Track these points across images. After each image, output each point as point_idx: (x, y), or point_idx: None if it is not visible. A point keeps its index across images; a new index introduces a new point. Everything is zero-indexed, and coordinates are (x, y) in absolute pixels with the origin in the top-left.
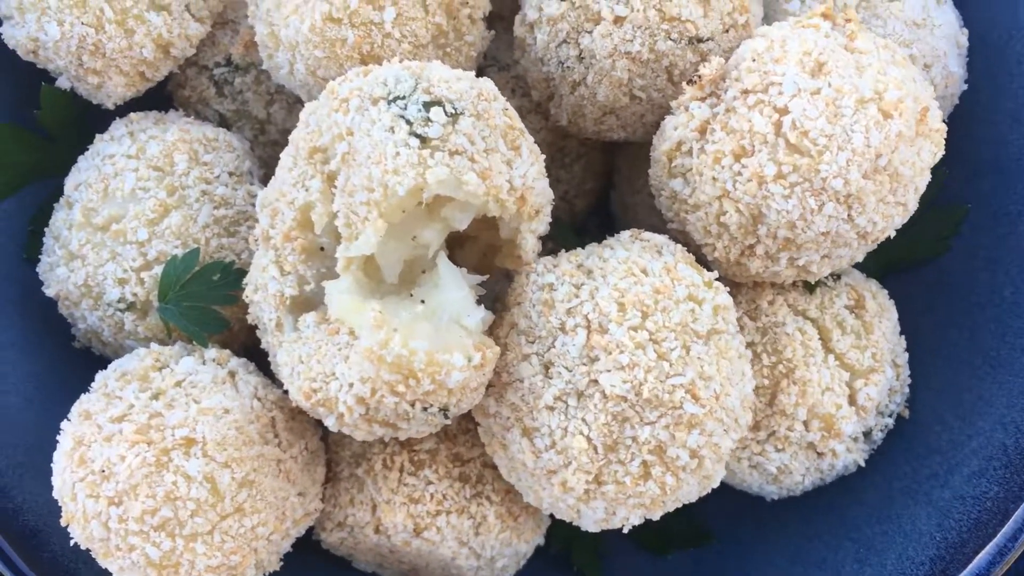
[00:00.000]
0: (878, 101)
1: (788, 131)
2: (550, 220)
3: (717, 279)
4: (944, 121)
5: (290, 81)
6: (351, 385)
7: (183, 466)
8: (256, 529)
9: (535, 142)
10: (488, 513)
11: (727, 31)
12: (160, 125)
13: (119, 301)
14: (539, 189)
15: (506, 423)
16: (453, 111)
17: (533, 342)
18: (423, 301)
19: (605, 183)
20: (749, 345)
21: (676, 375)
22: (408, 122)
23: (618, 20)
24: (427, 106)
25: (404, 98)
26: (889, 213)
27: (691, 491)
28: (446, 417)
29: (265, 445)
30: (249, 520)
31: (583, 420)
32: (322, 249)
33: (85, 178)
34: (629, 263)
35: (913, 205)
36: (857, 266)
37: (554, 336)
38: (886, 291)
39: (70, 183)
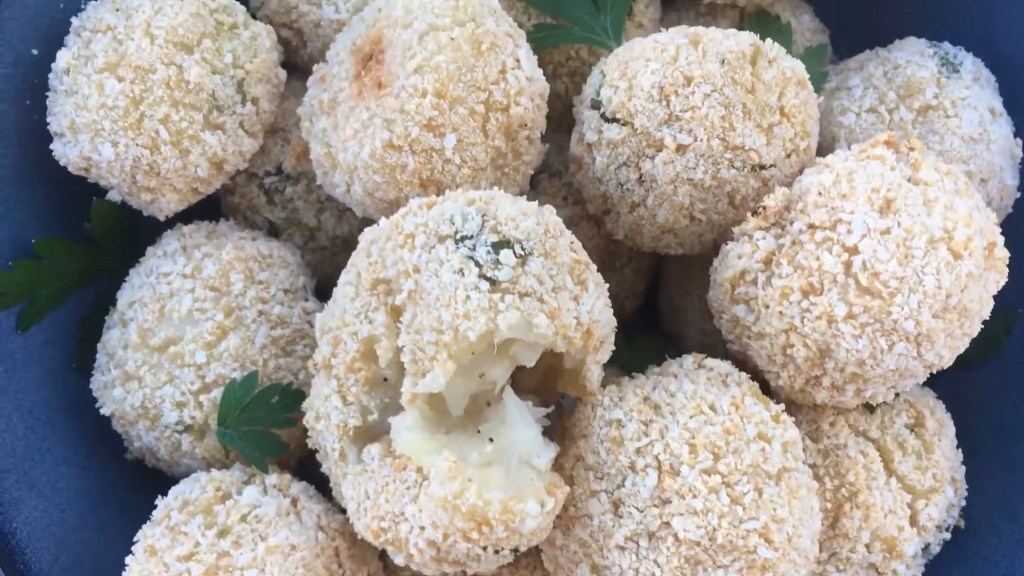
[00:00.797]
0: (948, 241)
1: (859, 272)
2: (613, 347)
3: (783, 409)
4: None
5: (346, 199)
6: (423, 528)
7: None
8: None
9: (588, 249)
10: None
11: (789, 156)
12: (213, 240)
13: (177, 423)
14: (604, 321)
15: (574, 557)
16: (522, 252)
17: (601, 478)
18: (491, 439)
19: (653, 281)
20: (811, 467)
21: (750, 519)
22: (478, 264)
23: (680, 148)
24: (496, 247)
25: (472, 237)
26: (956, 345)
27: None
28: (516, 557)
29: None
30: None
31: (655, 562)
32: (385, 380)
33: (139, 296)
34: (697, 399)
35: (976, 331)
36: None
37: (623, 475)
38: (942, 403)
39: (123, 300)
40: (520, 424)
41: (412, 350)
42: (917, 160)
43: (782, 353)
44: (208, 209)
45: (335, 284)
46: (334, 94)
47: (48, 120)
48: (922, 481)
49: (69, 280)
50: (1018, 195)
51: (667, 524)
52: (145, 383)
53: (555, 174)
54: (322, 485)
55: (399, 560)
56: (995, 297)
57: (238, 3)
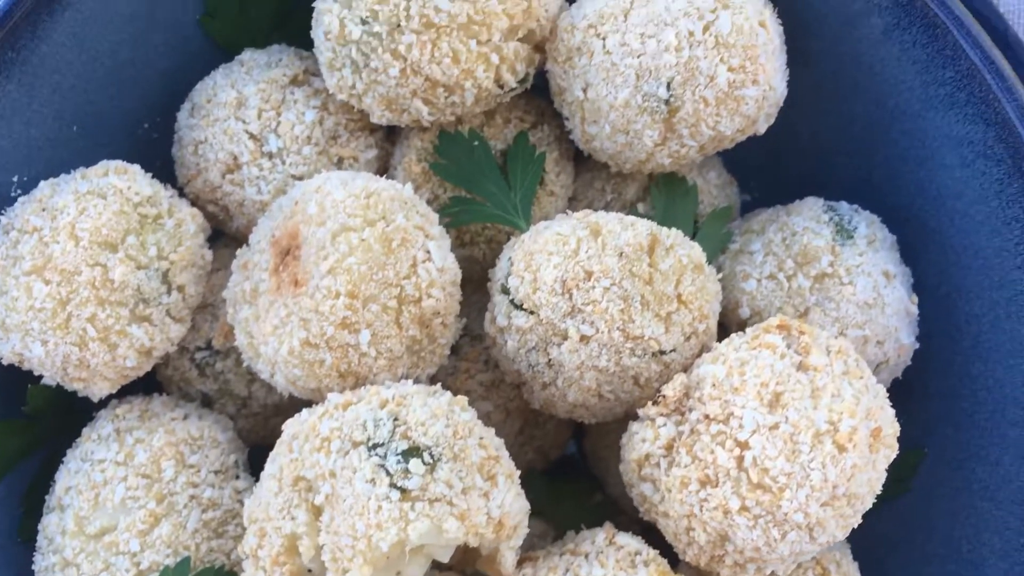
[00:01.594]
0: (833, 434)
1: (750, 467)
2: (528, 528)
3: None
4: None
5: (271, 383)
6: None
7: None
8: None
9: (510, 412)
10: None
11: (688, 339)
12: (146, 423)
13: None
14: (516, 510)
15: None
16: (431, 459)
17: None
18: None
19: (576, 428)
20: None
21: None
22: (389, 473)
23: (584, 339)
24: (406, 455)
25: (383, 445)
26: (848, 524)
27: None
28: None
29: None
30: None
31: None
32: (310, 571)
33: (75, 483)
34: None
35: (870, 505)
36: None
37: None
38: (848, 552)
39: (60, 484)
40: None
41: (332, 550)
42: (807, 344)
43: (686, 534)
44: (144, 379)
45: (270, 449)
46: (255, 284)
47: None
48: None
49: (9, 457)
50: (917, 346)
51: None
52: (83, 571)
53: (476, 338)
54: None
55: None
56: (901, 437)
57: (163, 191)
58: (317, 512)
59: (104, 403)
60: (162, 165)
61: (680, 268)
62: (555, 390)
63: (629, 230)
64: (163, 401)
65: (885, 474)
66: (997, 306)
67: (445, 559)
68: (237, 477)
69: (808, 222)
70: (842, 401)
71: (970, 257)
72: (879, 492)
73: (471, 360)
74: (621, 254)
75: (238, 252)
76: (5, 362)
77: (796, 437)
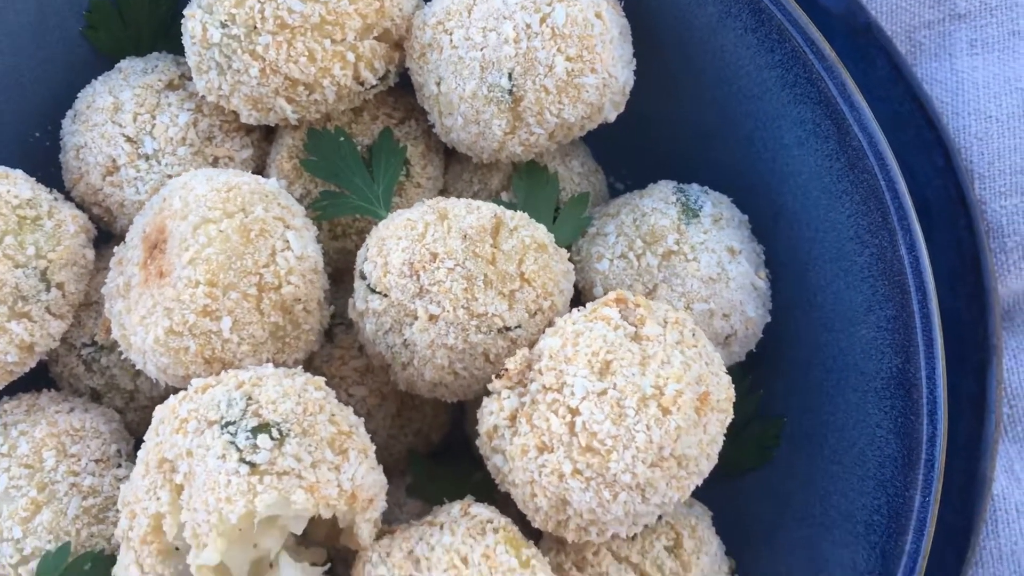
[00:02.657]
0: (658, 398)
1: (580, 432)
2: (386, 503)
3: (535, 554)
4: (747, 357)
5: (144, 372)
6: None
7: None
8: None
9: (386, 396)
10: None
11: (533, 316)
12: (31, 415)
13: None
14: (369, 483)
15: None
16: (279, 434)
17: None
18: None
19: (458, 413)
20: None
21: None
22: (238, 449)
23: (432, 318)
24: (255, 431)
25: (234, 423)
26: (684, 485)
27: None
28: None
29: None
30: None
31: None
32: (177, 549)
33: None
34: (452, 552)
35: (708, 466)
36: None
37: None
38: (707, 519)
39: None
40: None
41: (192, 526)
42: (642, 316)
43: (531, 500)
44: (37, 378)
45: None
46: (128, 278)
47: None
48: None
49: None
50: (769, 319)
51: None
52: None
53: (350, 325)
54: None
55: None
56: (762, 407)
57: (45, 194)
58: (179, 491)
59: None
60: (55, 171)
61: (523, 248)
62: (413, 370)
63: (474, 213)
64: (51, 396)
65: (721, 438)
66: (837, 277)
67: (298, 530)
68: (119, 466)
69: (657, 203)
70: (670, 367)
71: (812, 231)
72: (715, 455)
73: (345, 347)
74: (465, 236)
75: (115, 249)
76: None
77: (623, 402)
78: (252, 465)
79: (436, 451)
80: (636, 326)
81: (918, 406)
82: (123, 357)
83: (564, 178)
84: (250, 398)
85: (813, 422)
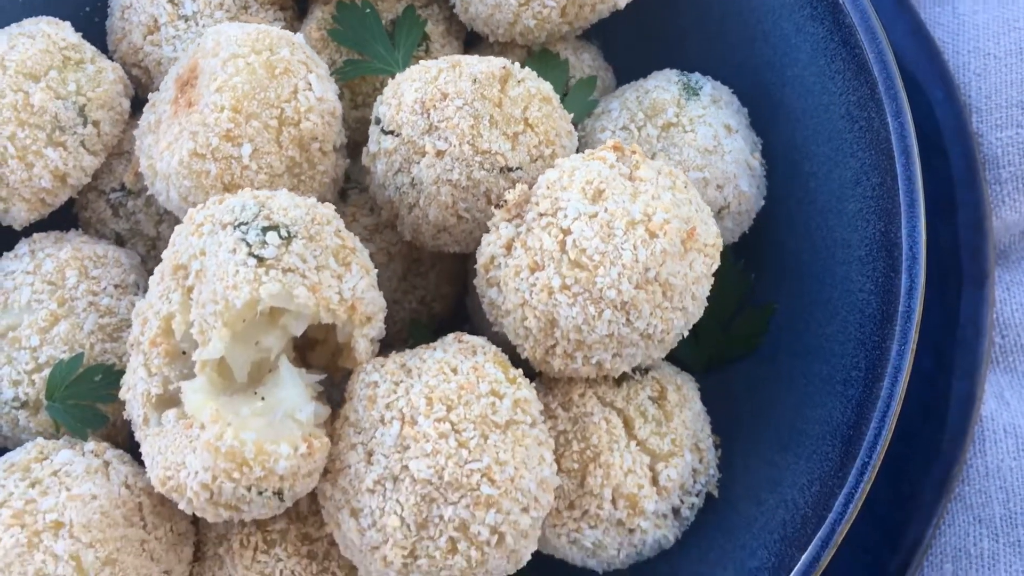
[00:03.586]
0: (646, 223)
1: (570, 249)
2: (383, 327)
3: (527, 374)
4: (744, 233)
5: (168, 205)
6: (196, 473)
7: (51, 546)
8: None
9: (393, 256)
10: None
11: (535, 161)
12: (58, 244)
13: (14, 400)
14: (369, 299)
15: (338, 504)
16: (287, 235)
17: (359, 433)
18: (263, 398)
19: (461, 288)
20: (561, 433)
21: (474, 461)
22: (248, 244)
23: (439, 153)
24: (265, 231)
25: (247, 224)
26: (668, 317)
27: (500, 565)
28: (281, 500)
29: (130, 527)
30: None
31: (397, 501)
32: (184, 353)
33: None
34: (442, 363)
35: (694, 310)
36: (681, 363)
37: (375, 427)
38: (693, 382)
39: None
40: (290, 385)
41: (199, 323)
42: (637, 162)
43: (522, 326)
44: (66, 226)
45: None
46: (159, 116)
47: None
48: (660, 445)
49: None
50: (763, 203)
51: (406, 467)
52: None
53: (364, 189)
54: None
55: (183, 506)
56: (753, 296)
57: (87, 44)
58: (189, 293)
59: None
60: (101, 48)
61: (528, 97)
62: (419, 211)
63: (484, 63)
64: (78, 234)
65: (707, 283)
66: (828, 159)
67: (298, 332)
68: (135, 294)
69: (660, 82)
70: (659, 201)
71: (807, 119)
72: (701, 299)
73: (357, 206)
74: (475, 80)
75: (149, 95)
76: None
77: (612, 223)
78: (260, 259)
79: (438, 327)
80: (631, 169)
81: (898, 263)
82: (148, 203)
83: (574, 67)
84: (263, 205)
85: (800, 304)
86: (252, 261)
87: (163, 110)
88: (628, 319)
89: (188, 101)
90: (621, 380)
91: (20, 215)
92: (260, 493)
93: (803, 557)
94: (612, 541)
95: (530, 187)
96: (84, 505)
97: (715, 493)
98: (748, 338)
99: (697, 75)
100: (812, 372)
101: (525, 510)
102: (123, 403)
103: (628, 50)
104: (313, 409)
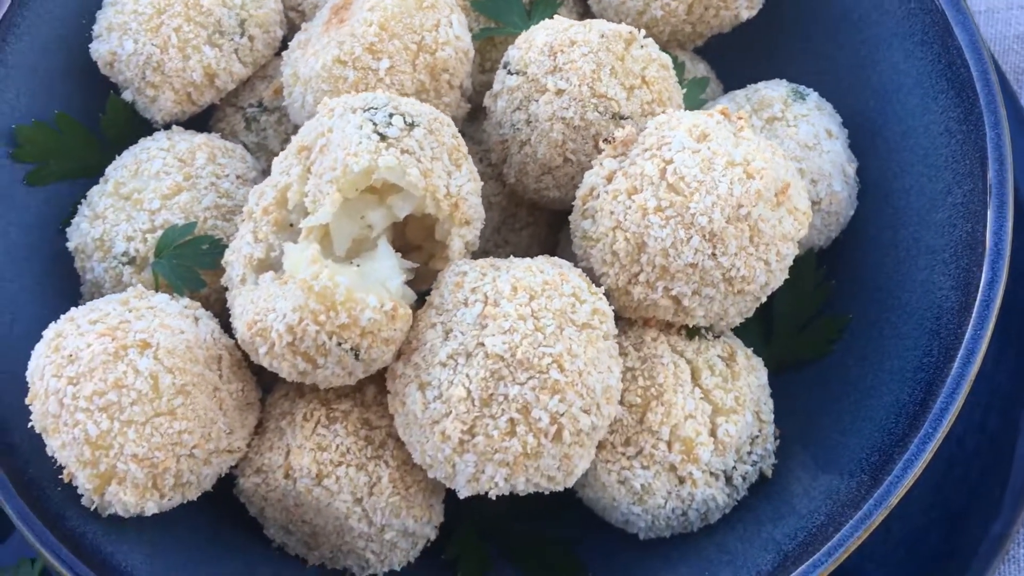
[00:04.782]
0: (745, 166)
1: (670, 175)
2: (478, 239)
3: (604, 294)
4: (831, 239)
5: (301, 114)
6: (284, 316)
7: (135, 361)
8: (182, 436)
9: (492, 205)
10: (383, 475)
11: (645, 116)
12: (193, 135)
13: (123, 255)
14: (472, 203)
15: (407, 380)
16: (411, 122)
17: (441, 314)
18: (359, 265)
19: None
20: (629, 369)
21: (547, 345)
22: (374, 124)
23: (559, 92)
24: (391, 116)
25: (376, 108)
26: (751, 264)
27: (551, 465)
28: (357, 358)
29: (208, 370)
30: (178, 424)
31: (467, 375)
32: (291, 225)
33: (124, 161)
34: (531, 265)
35: (777, 268)
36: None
37: (457, 308)
38: (761, 360)
39: (111, 166)
40: (385, 258)
41: (314, 192)
42: (742, 126)
43: (611, 252)
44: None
45: None
46: (309, 36)
47: (93, 27)
48: (724, 399)
49: (76, 164)
50: (852, 213)
51: (481, 344)
52: (107, 220)
53: (477, 143)
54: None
55: (263, 354)
56: (831, 304)
57: None
58: (309, 169)
59: None
60: None
61: (648, 59)
62: (529, 149)
63: (613, 23)
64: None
65: (793, 248)
66: (922, 175)
67: (402, 214)
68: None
69: (770, 85)
70: (760, 152)
71: (906, 139)
72: (785, 260)
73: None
74: (602, 35)
75: (303, 25)
76: (101, 64)
77: (713, 160)
78: (382, 136)
79: None
80: (736, 130)
81: (980, 259)
82: (280, 121)
83: (689, 71)
84: (393, 99)
85: (875, 311)
86: (375, 137)
87: (314, 31)
88: (714, 251)
89: (340, 19)
90: (693, 335)
91: (166, 105)
92: (339, 344)
93: (856, 515)
94: (661, 487)
95: (639, 133)
96: (172, 335)
97: (768, 474)
98: (820, 344)
99: (805, 87)
100: (882, 368)
101: (586, 410)
102: (220, 276)
103: (735, 74)
104: (402, 282)
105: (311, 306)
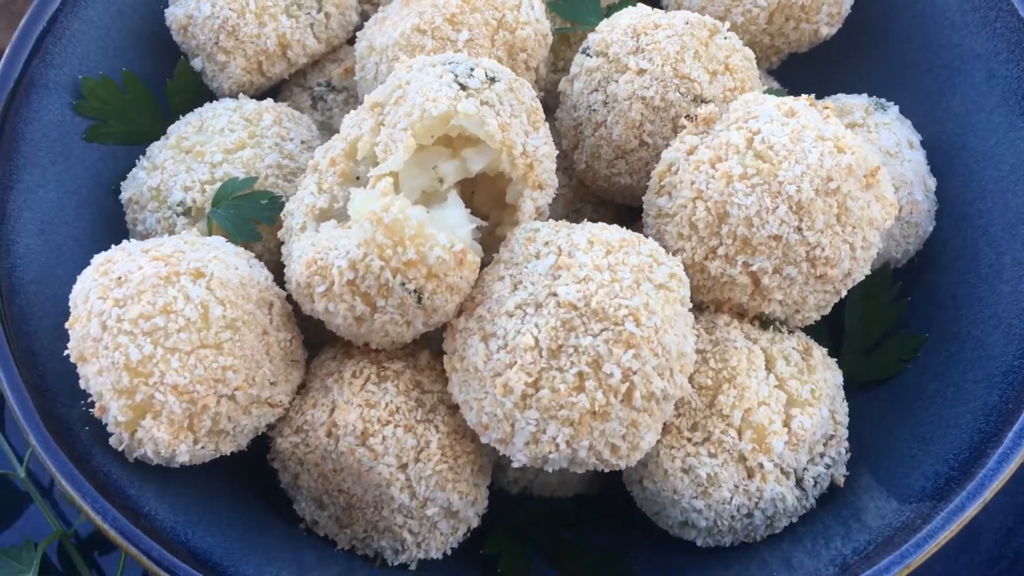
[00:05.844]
0: (835, 141)
1: (757, 144)
2: (549, 208)
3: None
4: (912, 259)
5: (373, 85)
6: (347, 252)
7: (187, 287)
8: (226, 373)
9: (558, 197)
10: (432, 439)
11: (726, 101)
12: (261, 101)
13: (179, 204)
14: (547, 166)
15: (469, 333)
16: (492, 76)
17: (510, 267)
18: (429, 212)
19: None
20: (700, 352)
21: (624, 298)
22: (455, 74)
23: (641, 72)
24: (472, 69)
25: (457, 63)
26: (836, 245)
27: (616, 431)
28: (419, 302)
29: (259, 309)
30: (224, 359)
31: (535, 324)
32: (358, 178)
33: (189, 118)
34: (608, 227)
35: (861, 256)
36: None
37: (528, 261)
38: (834, 364)
39: (175, 124)
40: (455, 209)
41: (385, 142)
42: (828, 114)
43: (689, 224)
44: None
45: None
46: (386, 14)
47: None
48: (799, 391)
49: (137, 128)
50: (931, 229)
51: (553, 293)
52: (166, 170)
53: None
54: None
55: (319, 291)
56: (906, 323)
57: None
58: (381, 124)
59: None
60: None
61: (732, 49)
62: (604, 131)
63: (696, 15)
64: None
65: (879, 239)
66: (1006, 192)
67: (476, 167)
68: None
69: (851, 95)
70: (850, 133)
71: (988, 158)
72: (871, 249)
73: None
74: (687, 21)
75: (379, 9)
76: (175, 28)
77: (802, 133)
78: (463, 86)
79: None
80: (823, 117)
81: None
82: (347, 102)
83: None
84: (475, 60)
85: (955, 329)
86: (456, 86)
87: (392, 9)
88: (800, 224)
89: None
90: (767, 326)
91: (235, 72)
92: (403, 284)
93: (946, 508)
94: (729, 478)
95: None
96: (227, 268)
97: (840, 483)
98: (892, 364)
99: (886, 100)
100: (964, 379)
101: (660, 372)
102: (276, 232)
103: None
104: (471, 232)
105: (378, 239)
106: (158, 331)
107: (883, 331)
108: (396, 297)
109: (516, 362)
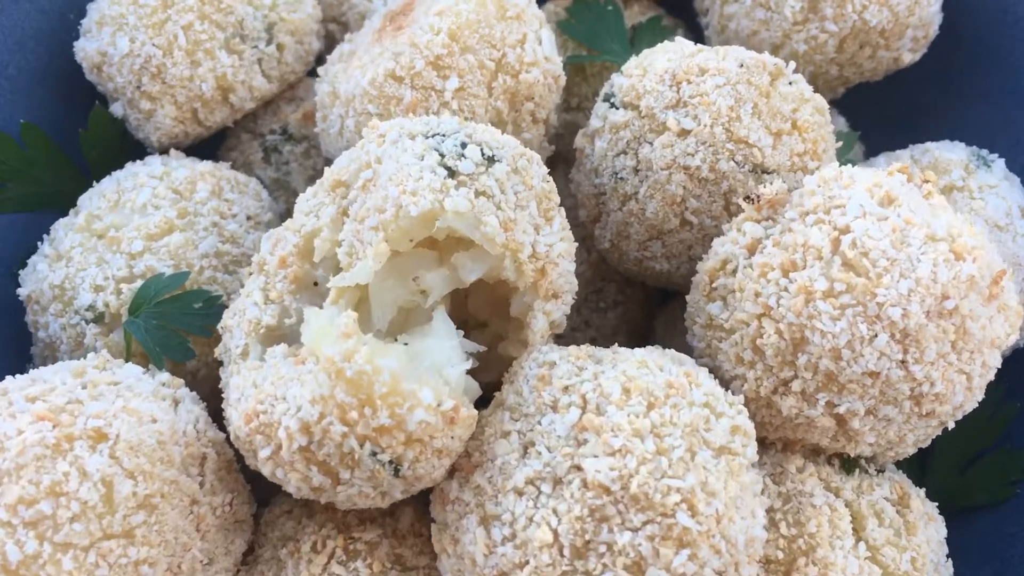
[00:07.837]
0: (950, 242)
1: (847, 248)
2: (565, 320)
3: (743, 403)
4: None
5: (337, 142)
6: (299, 408)
7: (82, 459)
8: (139, 568)
9: (576, 275)
10: None
11: (795, 171)
12: (195, 162)
13: (88, 309)
14: (563, 269)
15: (464, 509)
16: (490, 155)
17: (518, 419)
18: (406, 343)
19: (636, 344)
20: (768, 511)
21: (675, 477)
22: (441, 154)
23: (683, 133)
24: (464, 145)
25: (444, 135)
26: (950, 378)
27: None
28: (396, 474)
29: (185, 476)
30: (135, 552)
31: (554, 511)
32: (315, 284)
33: (102, 189)
34: (644, 359)
35: (978, 384)
36: None
37: (543, 413)
38: (936, 510)
39: (86, 194)
40: (443, 336)
41: (351, 242)
42: (930, 190)
43: (752, 347)
44: None
45: None
46: (355, 47)
47: (81, 22)
48: (897, 561)
49: (42, 191)
50: None
51: (578, 467)
52: (72, 263)
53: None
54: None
55: (264, 458)
56: (1010, 434)
57: None
58: (345, 213)
59: None
60: None
61: (800, 99)
62: (634, 205)
63: (753, 52)
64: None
65: (997, 360)
66: None
67: (470, 278)
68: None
69: (945, 146)
70: (966, 225)
71: None
72: (986, 378)
73: None
74: (742, 64)
75: (345, 37)
76: (87, 67)
77: (907, 231)
78: (452, 171)
79: None
80: (923, 190)
81: None
82: (307, 154)
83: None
84: (467, 126)
85: None
86: (442, 171)
87: (361, 42)
88: (904, 358)
89: (397, 26)
90: (851, 468)
91: (164, 122)
92: (374, 454)
93: None
94: None
95: (789, 191)
96: (140, 424)
97: None
98: (995, 486)
99: (988, 151)
100: None
101: (722, 562)
102: (214, 345)
103: (878, 135)
104: (465, 371)
105: (338, 398)
106: (44, 521)
107: (983, 446)
108: (365, 469)
109: (528, 562)
